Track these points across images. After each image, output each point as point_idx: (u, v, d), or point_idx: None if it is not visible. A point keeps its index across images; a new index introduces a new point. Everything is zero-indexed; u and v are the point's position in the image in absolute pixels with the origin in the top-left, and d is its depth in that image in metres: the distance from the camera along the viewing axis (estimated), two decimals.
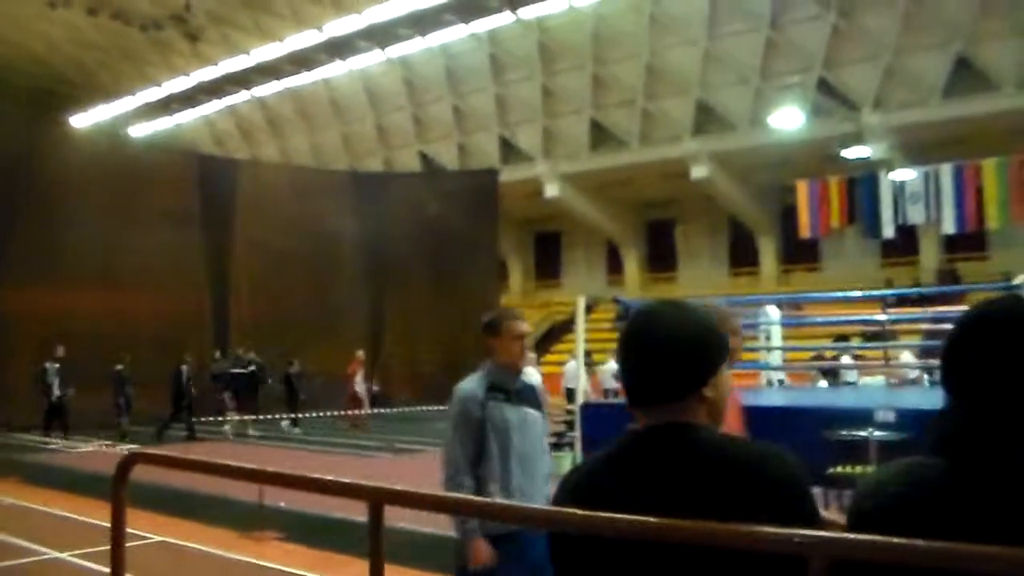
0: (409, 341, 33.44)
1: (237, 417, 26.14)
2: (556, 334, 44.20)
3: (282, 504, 12.43)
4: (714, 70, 37.91)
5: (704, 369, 2.10)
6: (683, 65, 38.33)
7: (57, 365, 23.68)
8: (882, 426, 12.87)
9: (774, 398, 18.98)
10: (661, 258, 46.47)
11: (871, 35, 34.35)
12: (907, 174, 27.23)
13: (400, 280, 35.15)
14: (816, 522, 2.01)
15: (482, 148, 45.37)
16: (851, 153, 30.73)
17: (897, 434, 12.59)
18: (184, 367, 24.17)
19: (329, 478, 2.78)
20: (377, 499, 2.49)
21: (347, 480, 2.64)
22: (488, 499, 2.04)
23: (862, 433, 12.84)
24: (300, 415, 26.84)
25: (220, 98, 51.57)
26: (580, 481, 2.17)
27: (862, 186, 28.88)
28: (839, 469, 12.48)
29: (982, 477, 1.83)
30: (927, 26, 33.29)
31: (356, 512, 11.90)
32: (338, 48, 43.84)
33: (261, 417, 26.02)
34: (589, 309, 37.30)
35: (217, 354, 29.31)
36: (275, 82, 48.16)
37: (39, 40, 49.01)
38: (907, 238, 34.71)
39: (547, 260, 50.84)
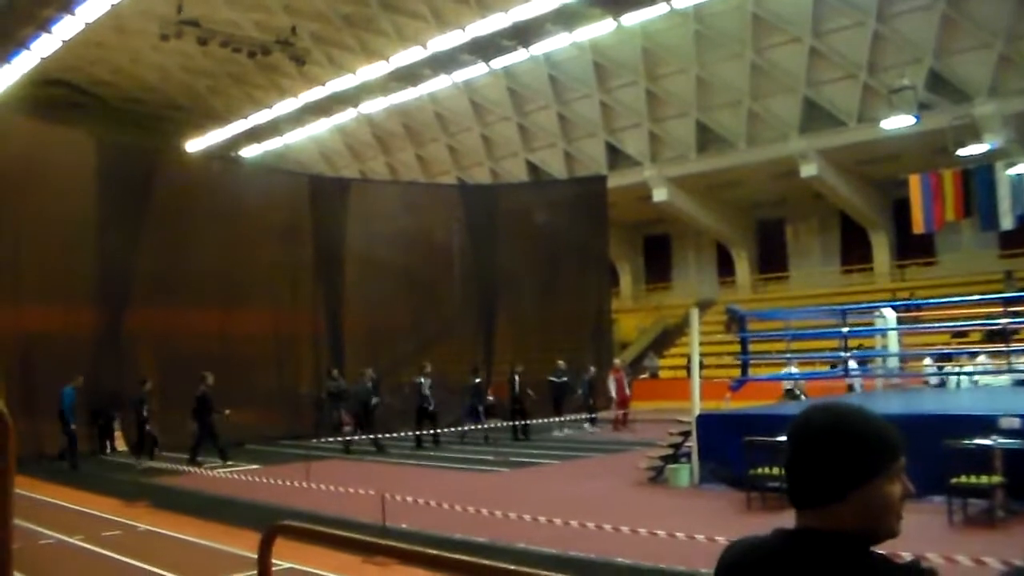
0: (520, 348, 33.53)
1: (356, 435, 26.47)
2: (669, 337, 44.06)
3: (404, 525, 12.64)
4: (820, 66, 37.39)
5: (844, 482, 2.14)
6: (788, 63, 37.88)
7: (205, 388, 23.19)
8: (1007, 433, 12.67)
9: (892, 404, 18.74)
10: (772, 258, 45.97)
11: (982, 22, 33.45)
12: None
13: (510, 289, 35.37)
14: None
15: (588, 154, 45.39)
16: (966, 146, 30.09)
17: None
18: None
19: (452, 556, 2.81)
20: None
21: (487, 564, 2.70)
22: None
23: (986, 442, 12.64)
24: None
25: (328, 117, 52.31)
26: (737, 569, 2.27)
27: (977, 177, 28.45)
28: (962, 479, 12.32)
29: None
30: None
31: (477, 534, 12.10)
32: (442, 63, 44.23)
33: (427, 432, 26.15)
34: (701, 311, 37.32)
35: (335, 372, 29.75)
36: (381, 99, 48.69)
37: (152, 70, 50.35)
38: None
39: (657, 263, 50.64)
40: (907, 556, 2.20)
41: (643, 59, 40.51)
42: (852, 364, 22.09)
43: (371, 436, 25.65)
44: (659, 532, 10.59)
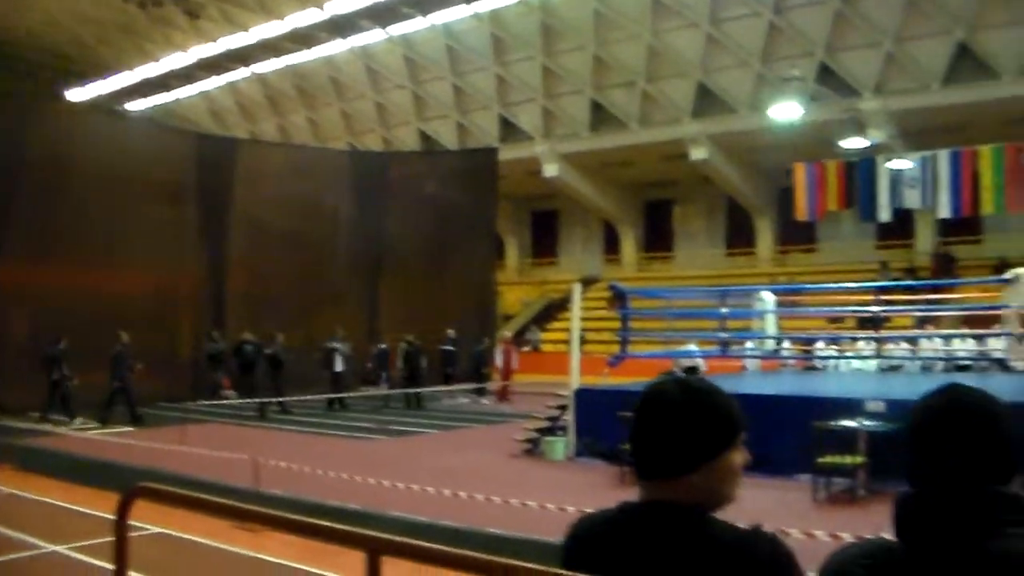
0: (405, 317, 33.41)
1: (235, 398, 26.24)
2: (553, 312, 44.35)
3: (279, 491, 12.60)
4: (715, 53, 37.84)
5: (699, 455, 2.20)
6: (685, 48, 38.27)
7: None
8: (872, 416, 13.08)
9: (765, 386, 19.18)
10: (658, 238, 46.61)
11: (873, 21, 34.30)
12: (905, 160, 27.42)
13: (397, 258, 35.20)
14: None
15: (482, 127, 45.36)
16: (850, 139, 30.79)
17: (887, 424, 12.79)
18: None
19: (325, 524, 2.77)
20: (375, 548, 2.50)
21: (344, 528, 2.68)
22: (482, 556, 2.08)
23: (852, 424, 13.04)
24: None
25: (219, 75, 51.35)
26: (584, 545, 2.32)
27: (860, 170, 29.02)
28: (827, 458, 12.69)
29: (941, 565, 1.96)
30: (929, 13, 33.28)
31: (352, 501, 12.11)
32: (339, 26, 43.71)
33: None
34: (586, 287, 37.63)
35: (215, 334, 29.40)
36: (275, 59, 48.00)
37: (37, 14, 48.82)
38: (903, 221, 34.83)
39: (544, 239, 50.95)
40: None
41: (541, 34, 40.54)
42: (692, 346, 22.55)
43: (273, 401, 25.54)
44: (530, 503, 10.73)
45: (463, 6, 40.37)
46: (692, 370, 22.06)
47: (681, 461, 2.20)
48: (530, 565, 2.16)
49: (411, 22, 42.43)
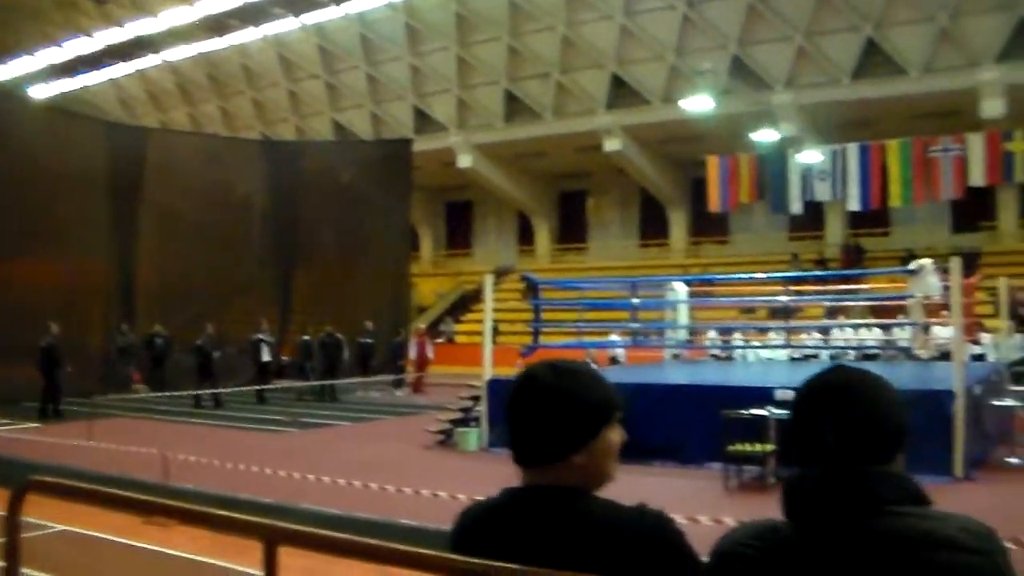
0: (319, 309, 33.13)
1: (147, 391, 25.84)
2: (467, 303, 44.32)
3: (189, 486, 12.40)
4: (630, 45, 38.06)
5: (579, 437, 2.21)
6: (599, 39, 38.44)
7: None
8: (782, 404, 13.21)
9: (676, 376, 19.34)
10: (572, 229, 46.81)
11: (785, 16, 34.78)
12: (815, 153, 27.82)
13: (311, 248, 34.88)
14: (699, 573, 2.13)
15: (396, 117, 45.15)
16: (761, 132, 31.15)
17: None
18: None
19: (222, 513, 2.73)
20: (272, 538, 2.43)
21: (241, 517, 2.62)
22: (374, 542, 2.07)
23: (761, 412, 13.17)
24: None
25: (128, 62, 50.40)
26: (470, 533, 2.31)
27: (771, 163, 29.49)
28: (737, 446, 12.81)
29: (825, 544, 1.98)
30: (839, 8, 33.83)
31: (265, 494, 11.97)
32: (251, 14, 43.21)
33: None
34: (500, 278, 37.64)
35: (124, 327, 28.92)
36: (186, 47, 47.24)
37: None
38: (813, 214, 35.44)
39: (459, 229, 50.89)
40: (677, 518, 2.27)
41: (456, 25, 40.46)
42: (614, 336, 22.69)
43: (210, 392, 25.28)
44: (441, 494, 10.69)
45: None
46: (613, 360, 22.23)
47: (559, 445, 2.20)
48: (419, 550, 2.14)
49: (325, 11, 42.07)
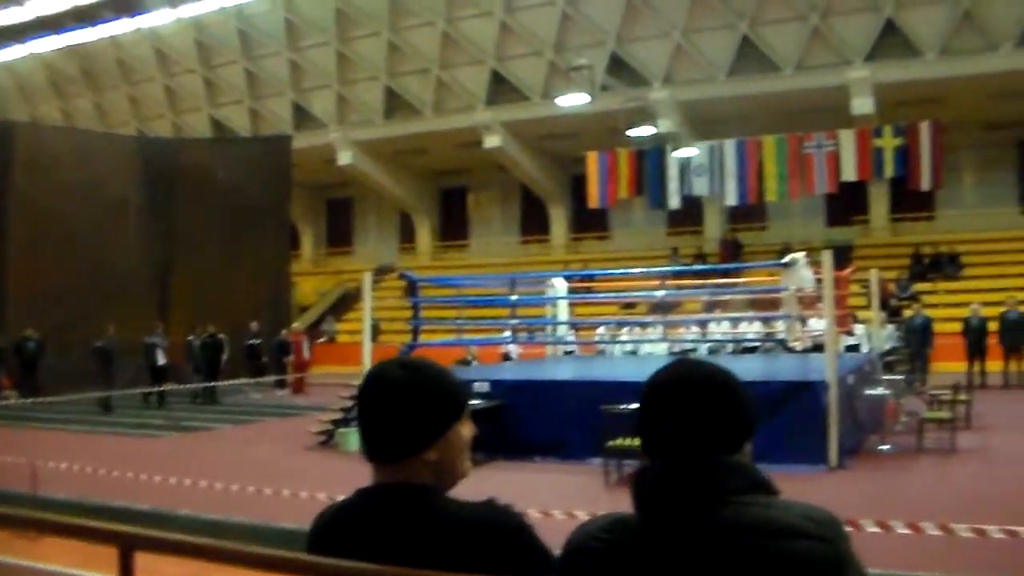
0: (198, 309, 32.53)
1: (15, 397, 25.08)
2: (349, 302, 43.97)
3: (60, 495, 12.06)
4: (509, 41, 38.20)
5: (429, 433, 2.24)
6: (479, 35, 38.50)
7: None
8: None
9: (557, 371, 19.42)
10: (453, 226, 46.78)
11: (662, 13, 35.25)
12: (693, 149, 28.16)
13: (189, 247, 34.18)
14: (549, 565, 2.19)
15: (275, 113, 44.60)
16: (640, 128, 31.43)
17: None
18: None
19: (77, 522, 2.67)
20: (126, 545, 2.43)
21: (94, 525, 2.56)
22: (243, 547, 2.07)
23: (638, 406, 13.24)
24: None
25: None
26: (325, 534, 2.32)
27: (649, 159, 29.72)
28: (617, 441, 12.87)
29: (671, 535, 2.01)
30: (714, 6, 34.43)
31: (141, 500, 11.69)
32: (125, 4, 42.24)
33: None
34: (381, 276, 37.45)
35: None
36: (56, 37, 45.90)
37: None
38: (692, 209, 35.92)
39: (339, 227, 50.44)
40: (554, 515, 2.27)
41: (336, 19, 40.14)
42: (506, 333, 22.73)
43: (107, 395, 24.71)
44: (320, 495, 10.56)
45: None
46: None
47: (410, 442, 2.23)
48: (272, 551, 2.19)
49: (201, 3, 41.33)
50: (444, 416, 2.26)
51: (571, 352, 24.78)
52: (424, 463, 2.22)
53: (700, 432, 2.06)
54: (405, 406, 2.22)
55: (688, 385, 2.12)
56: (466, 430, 2.32)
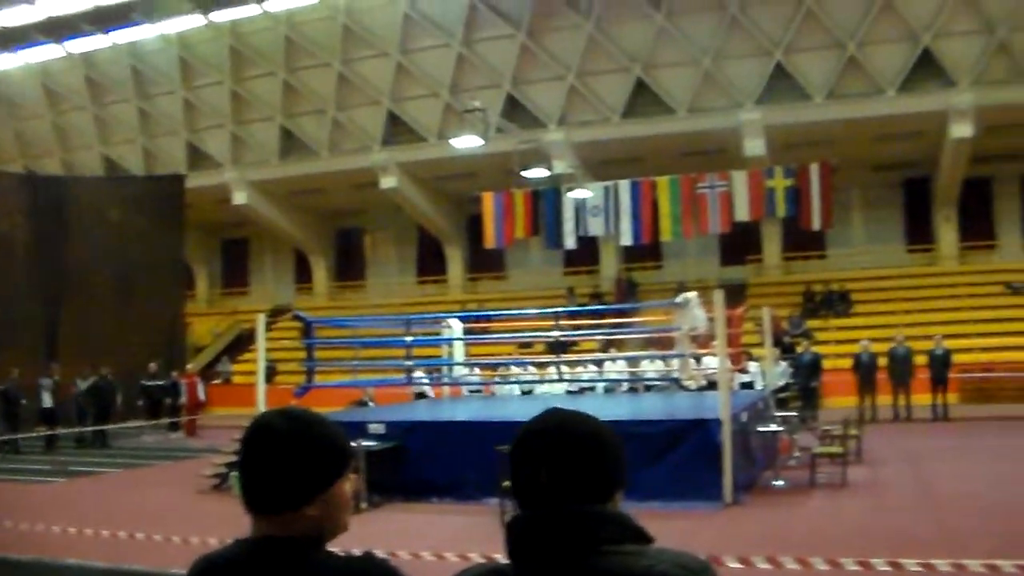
0: (88, 351, 31.84)
1: None
2: (244, 343, 43.40)
3: None
4: (405, 82, 38.31)
5: (312, 488, 2.19)
6: (375, 76, 38.55)
7: None
8: None
9: (453, 412, 19.40)
10: (350, 267, 46.50)
11: (557, 56, 35.74)
12: (587, 191, 28.45)
13: (80, 288, 33.44)
14: None
15: (169, 153, 44.00)
16: (535, 168, 31.69)
17: None
18: None
19: None
20: None
21: None
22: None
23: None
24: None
25: None
26: None
27: (545, 199, 29.91)
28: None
29: None
30: (609, 51, 35.03)
31: (23, 551, 11.38)
32: (10, 37, 41.39)
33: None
34: (277, 317, 37.11)
35: None
36: None
37: None
38: (588, 248, 36.23)
39: (235, 268, 49.78)
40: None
41: (230, 59, 39.89)
42: (419, 373, 22.62)
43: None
44: (212, 540, 10.40)
45: (148, 26, 39.12)
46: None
47: (292, 495, 2.17)
48: None
49: (91, 39, 40.72)
50: (328, 471, 2.21)
51: (477, 392, 24.77)
52: (305, 517, 2.17)
53: (570, 481, 2.05)
54: (288, 459, 2.16)
55: (558, 434, 2.11)
56: (349, 486, 2.27)
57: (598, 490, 2.08)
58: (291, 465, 2.16)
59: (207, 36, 39.55)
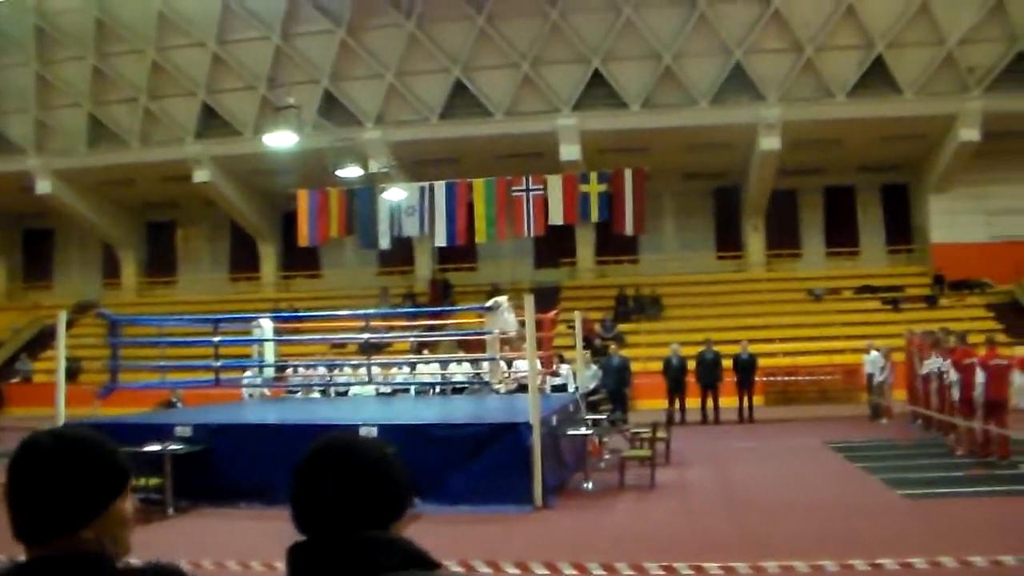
0: None
1: None
2: (46, 340, 41.79)
3: None
4: (222, 74, 37.54)
5: (85, 511, 2.07)
6: (190, 66, 37.62)
7: None
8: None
9: (262, 414, 19.08)
10: (161, 262, 45.26)
11: (376, 54, 35.57)
12: (402, 191, 28.37)
13: None
14: None
15: None
16: (351, 167, 31.43)
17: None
18: None
19: None
20: None
21: None
22: None
23: None
24: None
25: None
26: None
27: (360, 198, 29.65)
28: None
29: None
30: (429, 51, 35.07)
31: None
32: None
33: None
34: (82, 313, 35.90)
35: None
36: None
37: None
38: (403, 249, 36.13)
39: (38, 260, 47.77)
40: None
41: (36, 40, 38.32)
42: (248, 373, 22.27)
43: None
44: (1, 557, 9.96)
45: None
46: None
47: (64, 520, 2.05)
48: None
49: None
50: (103, 492, 2.09)
51: (296, 392, 24.38)
52: (81, 541, 2.04)
53: (353, 508, 2.05)
54: (59, 482, 2.04)
55: (339, 460, 2.10)
56: (128, 505, 2.15)
57: (377, 516, 2.08)
58: (61, 488, 2.04)
59: (10, 14, 37.88)
